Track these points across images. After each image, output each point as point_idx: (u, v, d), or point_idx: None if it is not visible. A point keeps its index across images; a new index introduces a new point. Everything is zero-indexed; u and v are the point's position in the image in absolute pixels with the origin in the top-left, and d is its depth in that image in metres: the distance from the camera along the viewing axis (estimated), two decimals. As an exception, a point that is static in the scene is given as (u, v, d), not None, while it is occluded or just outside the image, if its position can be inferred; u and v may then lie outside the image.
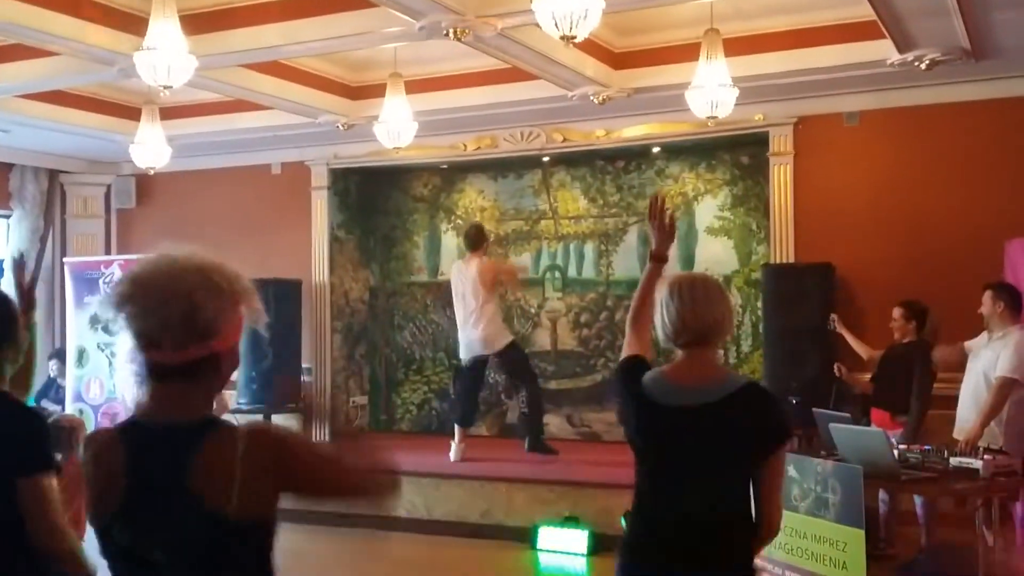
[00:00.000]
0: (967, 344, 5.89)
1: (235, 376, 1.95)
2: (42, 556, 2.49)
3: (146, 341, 1.80)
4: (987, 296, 5.63)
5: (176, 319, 1.78)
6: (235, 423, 1.85)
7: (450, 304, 9.37)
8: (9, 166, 9.93)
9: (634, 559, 2.74)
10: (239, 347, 1.92)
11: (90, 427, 4.66)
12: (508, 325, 8.38)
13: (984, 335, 5.77)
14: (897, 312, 6.28)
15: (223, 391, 1.94)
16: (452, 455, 7.73)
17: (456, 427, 7.90)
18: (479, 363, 7.88)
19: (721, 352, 7.83)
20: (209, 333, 1.81)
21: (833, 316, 6.95)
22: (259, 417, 8.44)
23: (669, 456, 2.70)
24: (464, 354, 7.87)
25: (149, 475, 1.79)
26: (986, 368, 5.56)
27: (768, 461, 2.62)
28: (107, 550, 1.85)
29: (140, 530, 1.79)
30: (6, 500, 2.45)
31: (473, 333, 7.70)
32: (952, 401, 6.07)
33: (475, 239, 7.87)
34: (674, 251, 8.55)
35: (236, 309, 1.85)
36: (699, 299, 2.69)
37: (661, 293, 2.78)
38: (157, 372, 1.82)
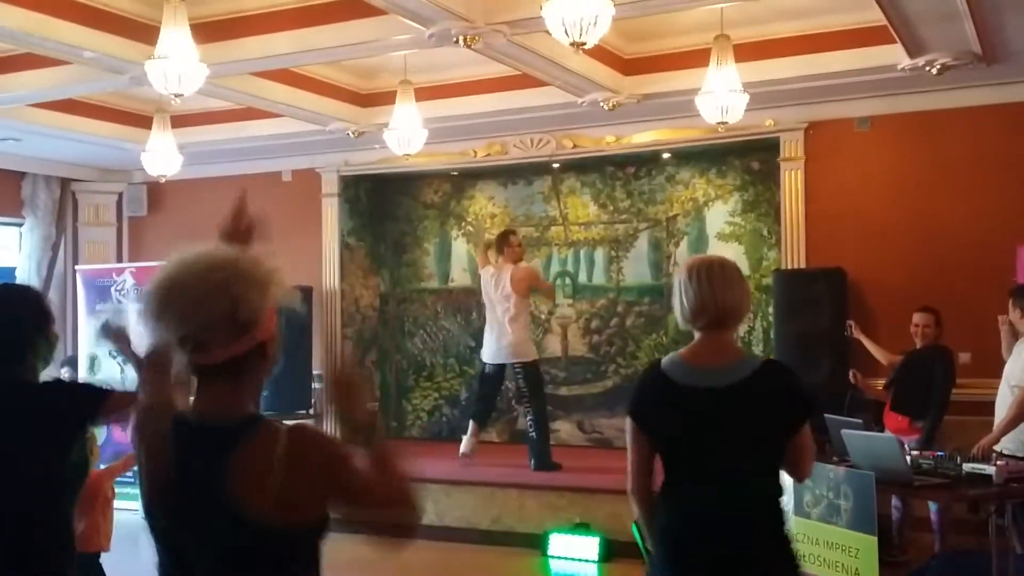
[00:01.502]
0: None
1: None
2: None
3: (193, 344, 1.77)
4: (1010, 303, 5.54)
5: (218, 316, 1.75)
6: (277, 422, 1.82)
7: (460, 311, 9.40)
8: (21, 175, 9.98)
9: (676, 548, 2.72)
10: (278, 329, 1.88)
11: (101, 439, 4.68)
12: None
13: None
14: (926, 318, 6.16)
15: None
16: (463, 448, 7.74)
17: (471, 421, 7.92)
18: (500, 369, 7.87)
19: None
20: (252, 324, 1.79)
21: (850, 322, 6.91)
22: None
23: (693, 438, 2.70)
24: (487, 358, 7.88)
25: (191, 473, 1.78)
26: (1008, 375, 5.50)
27: (797, 434, 2.68)
28: (151, 530, 1.85)
29: (178, 522, 1.79)
30: (56, 470, 2.60)
31: (500, 339, 7.71)
32: (968, 407, 6.05)
33: (499, 244, 7.94)
34: (685, 256, 8.65)
35: (269, 294, 1.82)
36: (717, 282, 2.72)
37: (680, 275, 2.80)
38: (205, 370, 1.80)
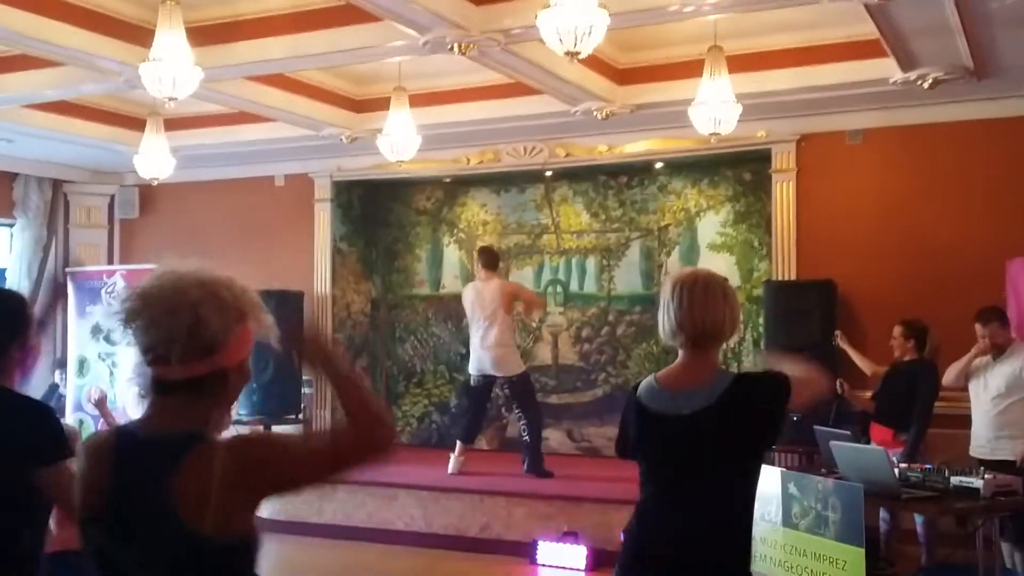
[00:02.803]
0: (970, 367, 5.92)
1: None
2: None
3: (153, 355, 1.80)
4: (995, 326, 5.76)
5: (182, 332, 1.77)
6: (216, 439, 1.83)
7: (451, 317, 9.38)
8: (13, 175, 9.95)
9: (634, 567, 2.75)
10: (248, 363, 1.90)
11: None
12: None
13: (984, 359, 5.85)
14: (897, 331, 6.35)
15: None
16: (451, 467, 7.72)
17: (458, 442, 7.89)
18: (487, 382, 7.87)
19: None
20: (214, 348, 1.81)
21: (837, 332, 6.98)
22: (258, 428, 8.43)
23: (665, 464, 2.73)
24: (473, 370, 7.87)
25: (130, 485, 1.78)
26: (1008, 385, 5.63)
27: (777, 428, 2.74)
28: (86, 546, 1.85)
29: (116, 537, 1.79)
30: (24, 490, 2.51)
31: (486, 352, 7.71)
32: (953, 420, 6.09)
33: (494, 259, 7.98)
34: (677, 266, 8.68)
35: (243, 324, 1.85)
36: (697, 300, 2.70)
37: (664, 290, 2.80)
38: (162, 386, 1.82)
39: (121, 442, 1.86)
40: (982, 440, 5.79)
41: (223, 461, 1.75)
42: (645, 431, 2.75)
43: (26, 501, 2.56)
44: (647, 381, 2.80)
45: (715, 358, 2.79)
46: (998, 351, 5.77)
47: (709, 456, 2.64)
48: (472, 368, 7.90)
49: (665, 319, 2.75)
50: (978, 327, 5.80)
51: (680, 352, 2.77)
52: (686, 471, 2.68)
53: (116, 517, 1.79)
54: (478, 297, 7.83)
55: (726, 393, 2.64)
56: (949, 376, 5.98)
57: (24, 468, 2.52)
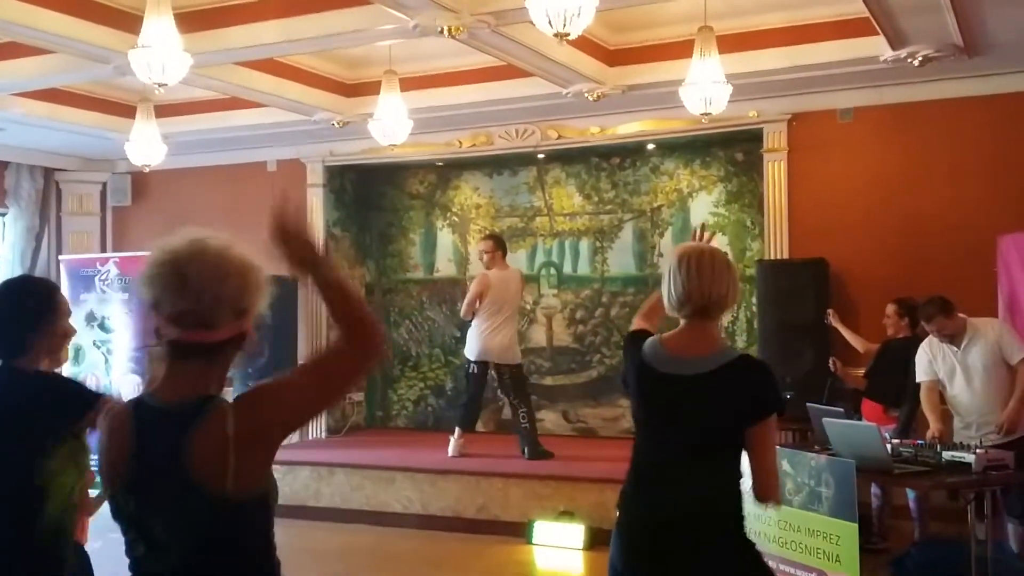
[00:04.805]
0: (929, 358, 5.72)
1: (231, 373, 1.96)
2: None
3: (195, 320, 1.82)
4: (940, 320, 5.49)
5: (229, 295, 1.81)
6: (226, 400, 1.86)
7: (445, 301, 9.36)
8: (4, 164, 9.92)
9: (630, 533, 2.78)
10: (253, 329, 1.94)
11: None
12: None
13: (941, 347, 5.61)
14: (890, 308, 6.36)
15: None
16: (451, 451, 7.75)
17: (458, 428, 7.89)
18: (486, 368, 7.86)
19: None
20: (247, 313, 1.86)
21: (829, 311, 7.02)
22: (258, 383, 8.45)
23: (663, 423, 2.78)
24: (475, 357, 7.77)
25: (152, 453, 1.82)
26: (984, 362, 5.47)
27: (757, 428, 2.67)
28: (116, 515, 1.89)
29: (143, 505, 1.83)
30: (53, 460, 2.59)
31: (494, 338, 7.68)
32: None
33: (503, 247, 8.00)
34: (670, 247, 8.69)
35: (263, 293, 1.90)
36: (705, 272, 2.76)
37: (669, 262, 2.84)
38: (187, 352, 1.85)
39: (139, 412, 1.89)
40: (972, 419, 5.65)
41: (236, 420, 1.79)
42: (645, 388, 2.82)
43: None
44: (651, 340, 2.85)
45: (717, 329, 2.87)
46: (951, 340, 5.52)
47: (703, 420, 2.70)
48: (474, 355, 7.80)
49: (672, 290, 2.80)
50: (924, 325, 5.63)
51: (683, 321, 2.83)
52: (681, 433, 2.73)
53: (141, 485, 1.83)
54: (505, 288, 7.78)
55: (727, 365, 2.71)
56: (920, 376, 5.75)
57: (63, 430, 2.60)
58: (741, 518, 2.73)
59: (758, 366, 2.81)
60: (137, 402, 1.92)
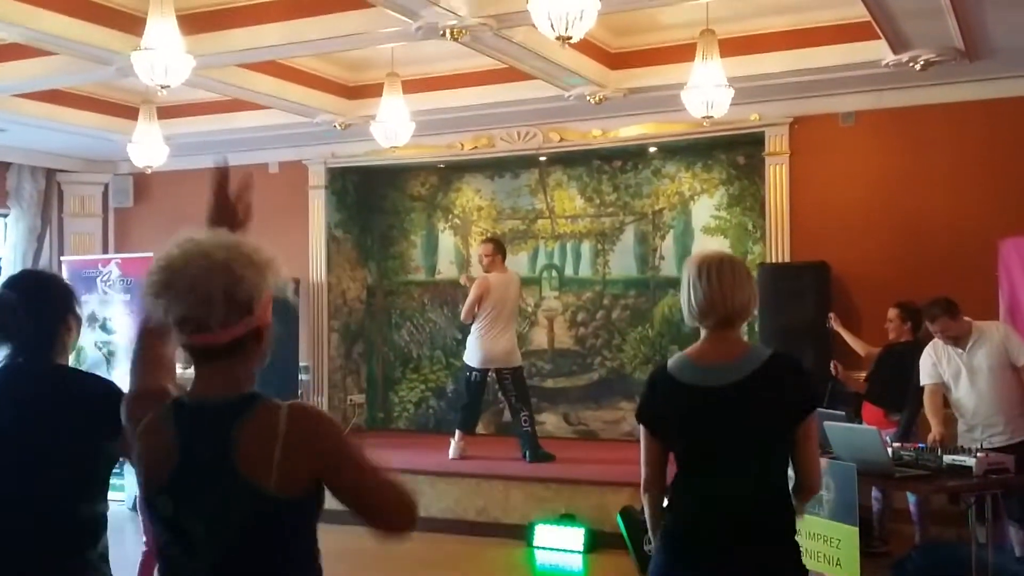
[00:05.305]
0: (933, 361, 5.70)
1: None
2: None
3: (193, 325, 1.81)
4: (944, 320, 5.48)
5: (219, 295, 1.79)
6: (276, 400, 1.87)
7: (446, 303, 9.35)
8: (6, 165, 9.94)
9: (676, 547, 2.72)
10: (272, 319, 1.93)
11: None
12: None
13: (945, 349, 5.60)
14: (893, 313, 6.36)
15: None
16: (452, 453, 7.75)
17: (459, 431, 7.89)
18: (487, 374, 7.86)
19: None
20: (250, 307, 1.83)
21: (831, 314, 7.02)
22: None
23: (701, 438, 2.71)
24: (477, 363, 7.77)
25: (197, 453, 1.82)
26: (990, 364, 5.46)
27: (800, 428, 2.67)
28: (153, 517, 1.89)
29: (185, 504, 1.82)
30: (91, 460, 2.53)
31: (497, 344, 7.69)
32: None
33: (502, 250, 8.01)
34: (671, 250, 8.70)
35: (267, 279, 1.87)
36: (727, 282, 2.70)
37: (689, 272, 2.76)
38: (206, 354, 1.85)
39: (179, 413, 1.88)
40: (977, 421, 5.64)
41: (286, 421, 1.80)
42: (678, 403, 2.73)
43: (90, 474, 2.56)
44: (676, 357, 2.79)
45: (739, 335, 2.81)
46: (955, 342, 5.51)
47: (741, 428, 2.65)
48: (476, 361, 7.77)
49: (693, 300, 2.73)
50: (928, 326, 5.62)
51: (704, 332, 2.75)
52: (720, 443, 2.68)
53: (183, 486, 1.82)
54: (505, 291, 7.79)
55: (764, 367, 2.67)
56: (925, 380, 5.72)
57: (91, 442, 2.55)
58: (792, 515, 2.72)
59: (794, 365, 2.76)
60: (176, 404, 1.91)
